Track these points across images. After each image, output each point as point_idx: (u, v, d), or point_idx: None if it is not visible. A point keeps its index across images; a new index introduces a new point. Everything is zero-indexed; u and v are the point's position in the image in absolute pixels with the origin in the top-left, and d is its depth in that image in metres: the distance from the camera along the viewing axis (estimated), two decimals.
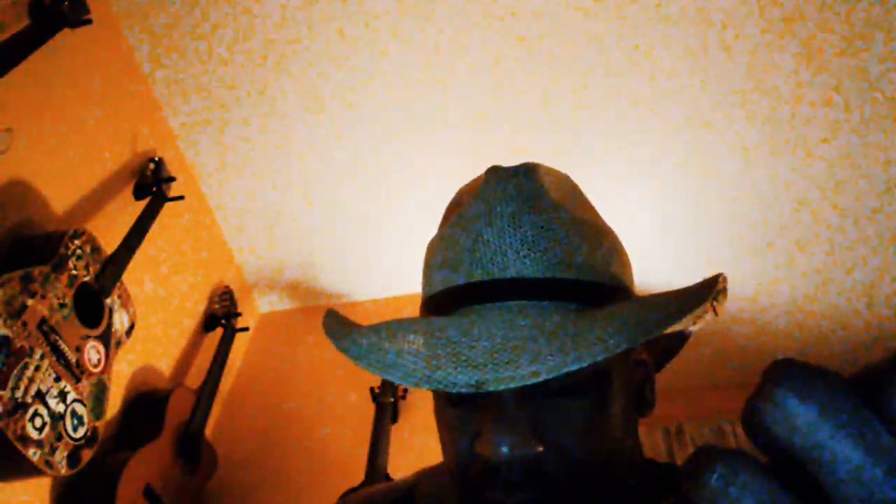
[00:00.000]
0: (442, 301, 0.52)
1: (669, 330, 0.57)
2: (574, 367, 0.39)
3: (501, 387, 0.39)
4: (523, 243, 0.49)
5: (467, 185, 0.58)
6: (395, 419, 1.88)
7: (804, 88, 1.80)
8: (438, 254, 0.54)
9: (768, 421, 0.19)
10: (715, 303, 0.49)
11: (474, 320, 0.47)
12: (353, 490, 1.31)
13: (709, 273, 0.49)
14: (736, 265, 2.23)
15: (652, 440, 2.62)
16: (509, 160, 0.58)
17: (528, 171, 0.53)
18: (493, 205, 0.51)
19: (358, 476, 1.64)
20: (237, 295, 2.18)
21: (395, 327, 0.50)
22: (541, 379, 0.39)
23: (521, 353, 0.41)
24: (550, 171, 0.57)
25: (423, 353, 0.44)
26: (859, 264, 2.18)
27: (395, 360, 0.45)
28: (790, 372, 0.19)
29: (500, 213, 0.51)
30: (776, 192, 2.03)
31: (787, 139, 1.91)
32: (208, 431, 1.85)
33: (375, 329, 0.51)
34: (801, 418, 0.18)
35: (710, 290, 0.46)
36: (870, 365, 0.19)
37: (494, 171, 0.54)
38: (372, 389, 1.91)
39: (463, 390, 0.40)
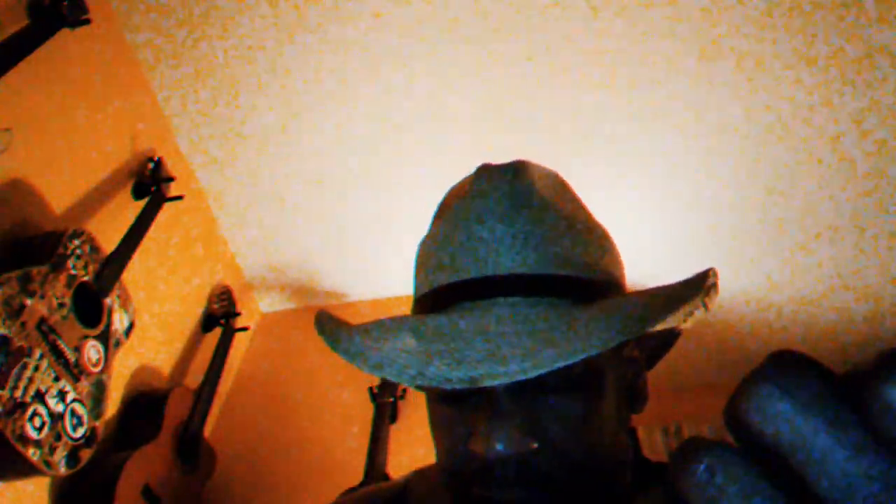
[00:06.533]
0: (434, 299, 0.52)
1: (661, 326, 0.57)
2: (566, 363, 0.39)
3: (495, 382, 0.40)
4: (515, 240, 0.49)
5: (457, 185, 0.59)
6: (393, 419, 1.88)
7: (805, 84, 1.80)
8: (430, 252, 0.54)
9: (751, 413, 0.19)
10: (706, 298, 0.49)
11: (467, 317, 0.47)
12: (352, 490, 1.31)
13: None
14: (737, 265, 2.23)
15: (651, 440, 2.62)
16: (509, 159, 0.58)
17: (518, 169, 0.53)
18: (484, 203, 0.51)
19: (357, 476, 1.64)
20: (237, 295, 2.18)
21: (389, 325, 0.50)
22: (534, 374, 0.39)
23: (513, 349, 0.42)
24: (540, 168, 0.57)
25: (416, 349, 0.45)
26: (862, 264, 2.18)
27: (389, 357, 0.45)
28: (778, 366, 0.19)
29: (491, 210, 0.51)
30: (777, 192, 2.03)
31: (788, 137, 1.90)
32: (208, 431, 1.85)
33: (368, 327, 0.51)
34: (785, 413, 0.19)
35: (700, 285, 0.46)
36: (857, 363, 0.19)
37: (485, 170, 0.54)
38: (371, 389, 1.91)
39: (457, 386, 0.41)
